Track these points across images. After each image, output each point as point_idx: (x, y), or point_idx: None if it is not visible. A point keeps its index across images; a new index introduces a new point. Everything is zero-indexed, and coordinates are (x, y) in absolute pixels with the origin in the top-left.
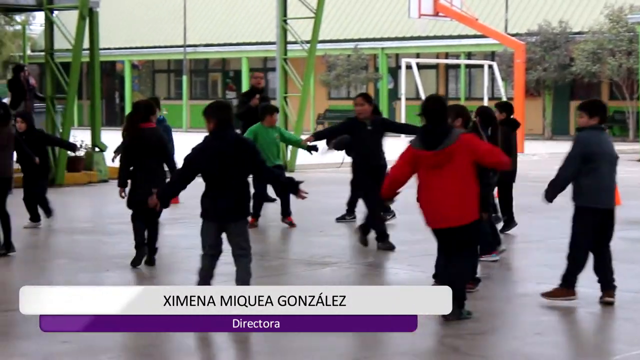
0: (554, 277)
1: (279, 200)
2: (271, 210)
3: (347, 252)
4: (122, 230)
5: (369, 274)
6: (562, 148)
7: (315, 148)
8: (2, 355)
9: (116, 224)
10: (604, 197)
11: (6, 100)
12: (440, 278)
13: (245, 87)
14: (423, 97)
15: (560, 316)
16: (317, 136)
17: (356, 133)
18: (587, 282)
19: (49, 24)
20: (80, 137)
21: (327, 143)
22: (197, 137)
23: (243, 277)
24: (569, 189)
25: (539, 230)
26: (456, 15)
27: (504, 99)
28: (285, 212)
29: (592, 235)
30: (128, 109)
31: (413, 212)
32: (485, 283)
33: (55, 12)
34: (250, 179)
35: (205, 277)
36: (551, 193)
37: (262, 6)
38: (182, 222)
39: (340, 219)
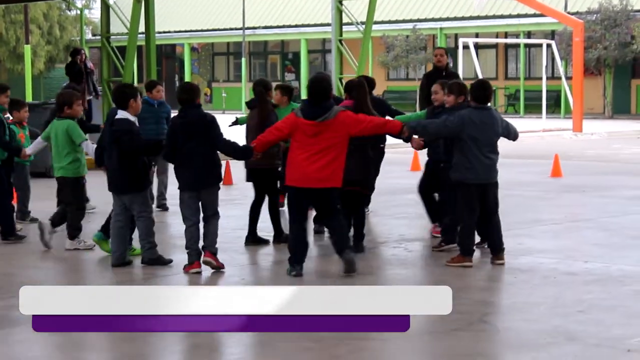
0: (603, 256)
1: None
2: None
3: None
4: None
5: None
6: (623, 127)
7: None
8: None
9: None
10: None
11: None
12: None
13: (304, 69)
14: (480, 77)
15: (605, 294)
16: None
17: None
18: (632, 260)
19: (105, 7)
20: None
21: None
22: None
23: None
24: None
25: (591, 209)
26: None
27: (563, 78)
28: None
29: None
30: None
31: None
32: (530, 260)
33: None
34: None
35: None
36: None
37: None
38: (236, 204)
39: None
